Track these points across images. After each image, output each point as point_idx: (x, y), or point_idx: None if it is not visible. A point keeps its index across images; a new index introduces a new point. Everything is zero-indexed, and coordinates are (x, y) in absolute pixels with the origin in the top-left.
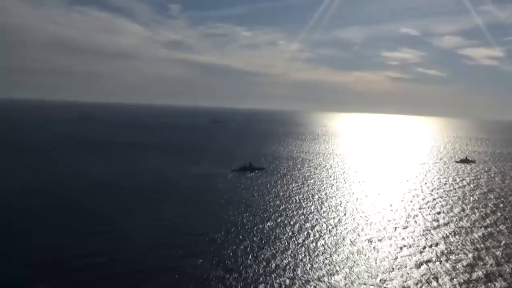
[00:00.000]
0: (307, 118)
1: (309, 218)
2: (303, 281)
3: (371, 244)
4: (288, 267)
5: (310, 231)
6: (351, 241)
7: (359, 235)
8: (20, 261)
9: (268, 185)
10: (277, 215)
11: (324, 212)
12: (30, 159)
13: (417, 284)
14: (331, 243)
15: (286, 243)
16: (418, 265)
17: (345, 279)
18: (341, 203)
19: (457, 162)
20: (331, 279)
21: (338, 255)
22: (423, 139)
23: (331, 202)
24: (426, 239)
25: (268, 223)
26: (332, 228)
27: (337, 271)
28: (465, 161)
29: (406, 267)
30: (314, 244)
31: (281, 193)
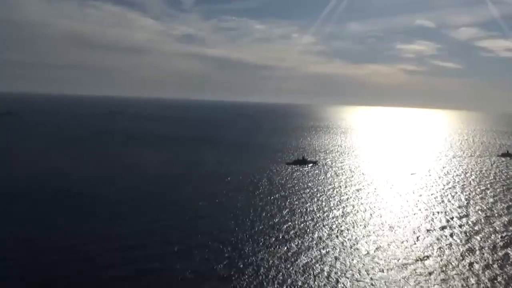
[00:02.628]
0: (325, 112)
1: (374, 208)
2: (401, 264)
3: (444, 230)
4: (379, 251)
5: (381, 219)
6: (427, 230)
7: (431, 224)
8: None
9: (324, 178)
10: (344, 205)
11: (386, 202)
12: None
13: (501, 267)
14: (409, 231)
15: (367, 230)
16: (496, 249)
17: (437, 262)
18: (399, 195)
19: (499, 156)
20: (424, 262)
21: (421, 241)
22: (448, 132)
23: (388, 193)
24: (493, 226)
25: (339, 212)
26: (403, 217)
27: (427, 255)
28: (506, 155)
29: (486, 249)
30: (392, 231)
31: (338, 185)
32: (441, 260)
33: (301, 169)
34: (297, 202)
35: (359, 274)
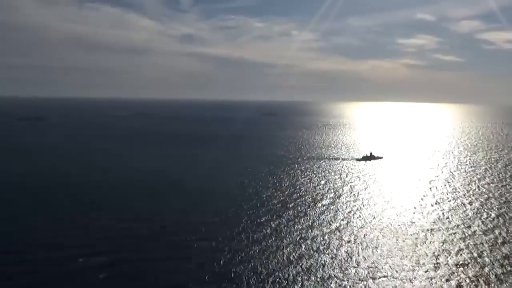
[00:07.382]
0: (334, 109)
1: (459, 196)
2: (491, 246)
3: None
4: (488, 232)
5: (470, 206)
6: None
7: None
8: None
9: (394, 172)
10: (433, 193)
11: (464, 190)
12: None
13: None
14: (496, 217)
15: (468, 214)
16: None
17: None
18: (469, 184)
19: None
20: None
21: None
22: (470, 126)
23: (457, 183)
24: None
25: (433, 200)
26: (486, 203)
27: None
28: None
29: None
30: (484, 218)
31: (415, 177)
32: None
33: (369, 164)
34: (386, 192)
35: (483, 247)
